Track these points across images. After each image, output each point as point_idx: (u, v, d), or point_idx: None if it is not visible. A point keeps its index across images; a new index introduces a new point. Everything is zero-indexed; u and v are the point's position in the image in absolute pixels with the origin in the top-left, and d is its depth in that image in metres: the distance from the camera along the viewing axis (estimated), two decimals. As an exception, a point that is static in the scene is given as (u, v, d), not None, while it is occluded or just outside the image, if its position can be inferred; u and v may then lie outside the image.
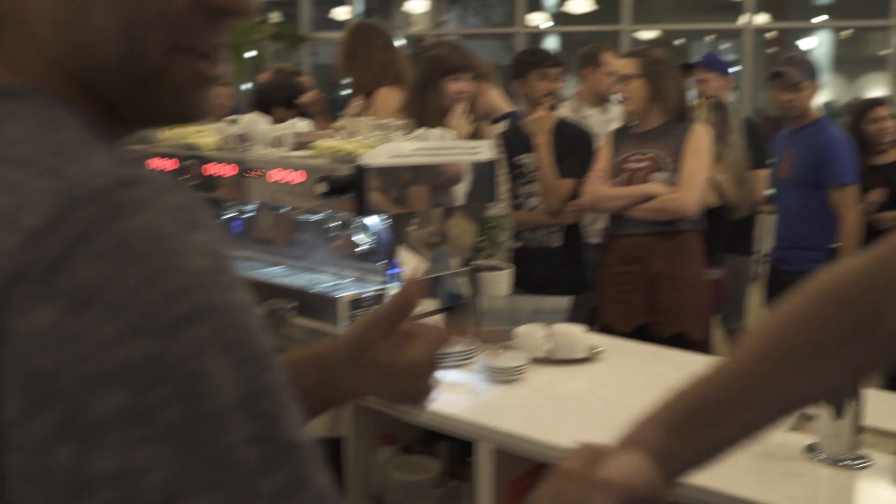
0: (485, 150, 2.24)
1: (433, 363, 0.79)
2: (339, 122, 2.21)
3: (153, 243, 0.39)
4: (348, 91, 3.82)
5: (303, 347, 0.82)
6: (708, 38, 9.27)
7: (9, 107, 0.45)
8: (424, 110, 2.67)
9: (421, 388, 0.79)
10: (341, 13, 9.26)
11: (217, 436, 0.39)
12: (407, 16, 9.20)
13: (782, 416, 0.77)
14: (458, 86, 2.70)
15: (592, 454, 0.69)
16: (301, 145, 2.09)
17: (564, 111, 3.54)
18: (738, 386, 0.74)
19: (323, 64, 8.80)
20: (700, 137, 2.78)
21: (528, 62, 3.21)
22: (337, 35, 4.12)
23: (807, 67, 3.33)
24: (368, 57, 3.08)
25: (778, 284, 3.29)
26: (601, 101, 3.62)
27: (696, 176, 2.73)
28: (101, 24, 0.46)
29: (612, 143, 2.91)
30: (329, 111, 3.54)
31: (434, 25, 8.98)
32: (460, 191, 2.15)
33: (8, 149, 0.42)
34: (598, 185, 2.84)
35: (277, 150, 2.07)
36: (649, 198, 2.72)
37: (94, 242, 0.39)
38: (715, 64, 3.78)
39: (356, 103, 3.16)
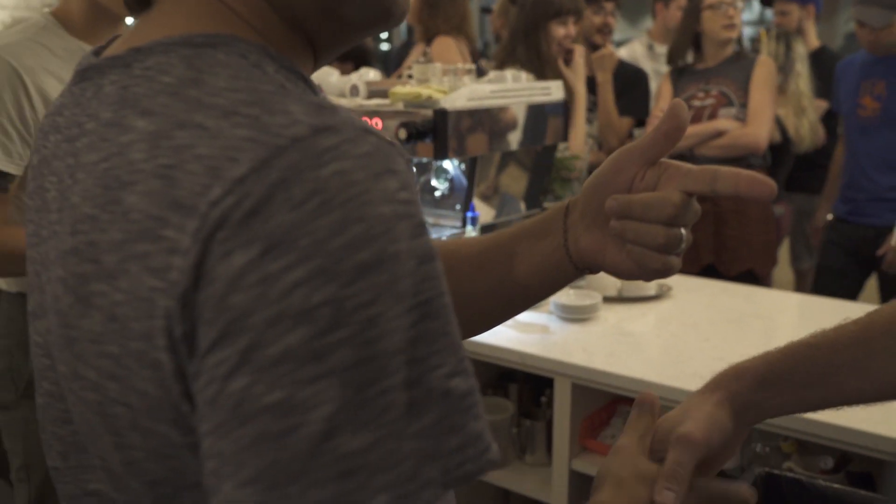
0: (557, 90, 2.24)
1: (687, 210, 0.62)
2: (408, 70, 2.23)
3: (343, 191, 0.41)
4: (388, 47, 3.69)
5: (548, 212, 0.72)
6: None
7: (210, 55, 0.47)
8: (531, 55, 2.61)
9: (670, 237, 0.62)
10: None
11: (377, 379, 0.41)
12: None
13: (891, 394, 0.69)
14: (565, 30, 2.63)
15: (646, 430, 0.67)
16: (375, 94, 2.13)
17: (638, 48, 3.47)
18: (850, 352, 0.69)
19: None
20: (767, 69, 2.73)
21: None
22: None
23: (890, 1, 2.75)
24: (440, 4, 3.05)
25: (849, 239, 2.91)
26: None
27: (766, 109, 2.68)
28: None
29: (672, 82, 2.87)
30: (384, 64, 3.49)
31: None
32: (530, 133, 2.15)
33: (212, 98, 0.45)
34: None
35: (352, 99, 2.10)
36: (718, 135, 2.69)
37: (290, 189, 0.41)
38: None
39: (418, 51, 3.14)
